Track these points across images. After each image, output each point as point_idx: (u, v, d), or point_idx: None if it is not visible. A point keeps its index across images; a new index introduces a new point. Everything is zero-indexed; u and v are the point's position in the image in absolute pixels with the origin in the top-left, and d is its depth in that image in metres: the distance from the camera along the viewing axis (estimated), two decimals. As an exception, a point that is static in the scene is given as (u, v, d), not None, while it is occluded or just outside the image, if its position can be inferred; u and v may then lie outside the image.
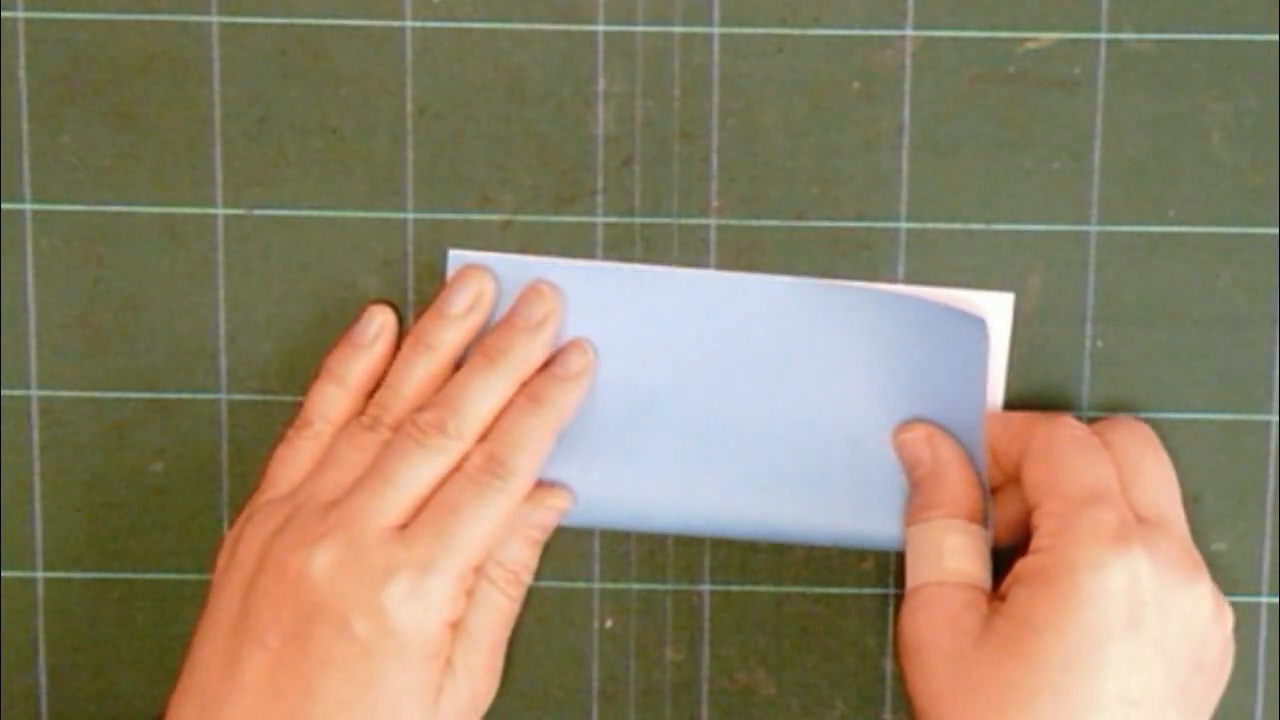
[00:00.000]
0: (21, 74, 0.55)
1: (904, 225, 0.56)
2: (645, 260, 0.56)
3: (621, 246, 0.56)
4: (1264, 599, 0.57)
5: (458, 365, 0.55)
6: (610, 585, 0.57)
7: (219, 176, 0.56)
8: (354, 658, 0.51)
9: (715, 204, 0.56)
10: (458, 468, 0.53)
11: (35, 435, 0.57)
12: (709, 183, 0.56)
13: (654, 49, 0.55)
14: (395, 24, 0.55)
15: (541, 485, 0.55)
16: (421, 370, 0.55)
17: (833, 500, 0.56)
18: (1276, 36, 0.55)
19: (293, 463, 0.55)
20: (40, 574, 0.57)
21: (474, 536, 0.53)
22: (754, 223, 0.56)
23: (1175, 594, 0.51)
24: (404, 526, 0.53)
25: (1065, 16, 0.55)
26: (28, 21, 0.55)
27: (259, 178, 0.56)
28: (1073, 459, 0.53)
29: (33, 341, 0.56)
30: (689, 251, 0.56)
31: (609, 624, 0.57)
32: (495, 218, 0.56)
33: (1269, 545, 0.57)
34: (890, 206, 0.56)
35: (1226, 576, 0.56)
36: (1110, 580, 0.50)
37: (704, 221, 0.56)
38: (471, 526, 0.53)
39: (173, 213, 0.56)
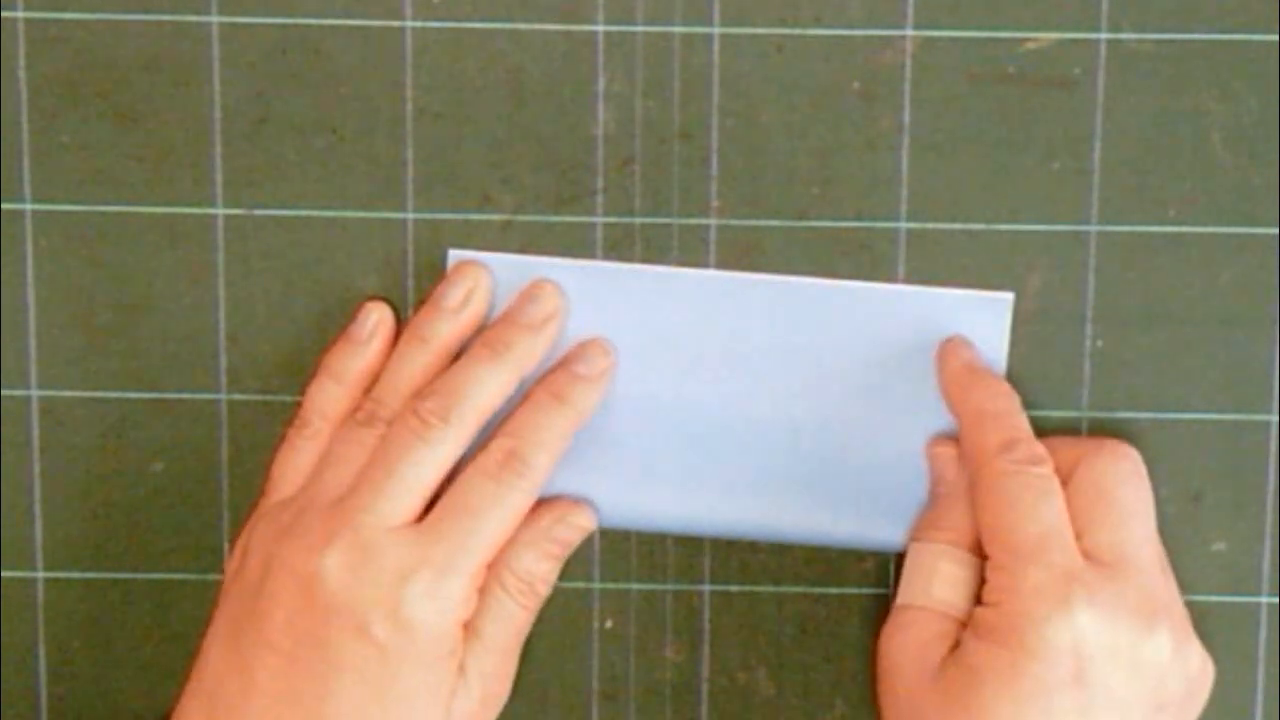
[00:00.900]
0: (21, 74, 0.55)
1: (904, 225, 0.56)
2: (645, 260, 0.56)
3: (621, 246, 0.56)
4: (1264, 599, 0.57)
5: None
6: (610, 585, 0.57)
7: (219, 176, 0.56)
8: (370, 660, 0.51)
9: (715, 204, 0.56)
10: (469, 461, 0.53)
11: (35, 435, 0.57)
12: (709, 183, 0.56)
13: (654, 49, 0.55)
14: (395, 24, 0.55)
15: (567, 501, 0.55)
16: (417, 364, 0.55)
17: (834, 499, 0.56)
18: (1276, 36, 0.55)
19: (294, 464, 0.55)
20: (40, 574, 0.57)
21: (490, 535, 0.53)
22: (754, 223, 0.56)
23: (1125, 644, 0.51)
24: (414, 522, 0.52)
25: (1065, 16, 0.55)
26: (28, 21, 0.55)
27: (259, 178, 0.56)
28: (1017, 506, 0.52)
29: (33, 341, 0.56)
30: (689, 251, 0.56)
31: (609, 624, 0.57)
32: (495, 218, 0.56)
33: (1269, 545, 0.57)
34: (890, 206, 0.56)
35: (1226, 576, 0.56)
36: (1053, 637, 0.50)
37: (704, 221, 0.56)
38: (487, 525, 0.52)
39: (173, 213, 0.56)
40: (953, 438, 0.55)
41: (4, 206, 0.56)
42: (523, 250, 0.56)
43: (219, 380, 0.57)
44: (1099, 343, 0.56)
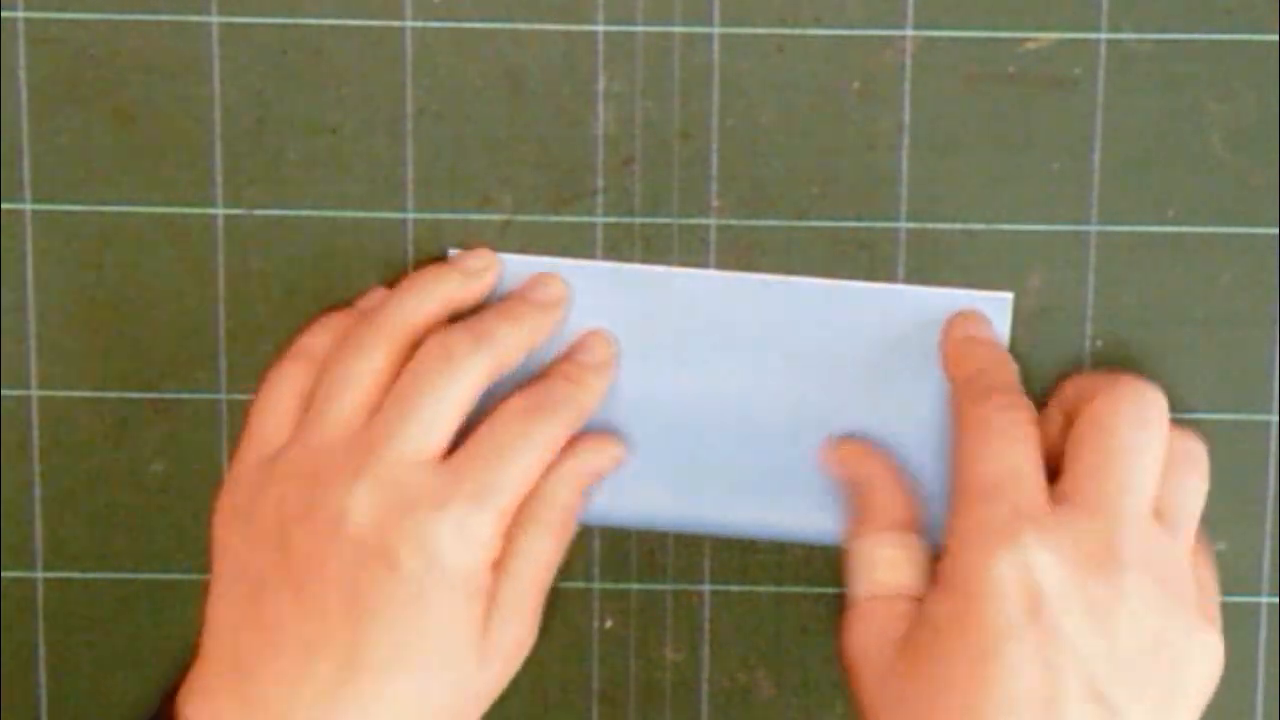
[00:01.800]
0: (21, 74, 0.55)
1: (904, 225, 0.56)
2: (645, 260, 0.56)
3: (621, 246, 0.56)
4: (1264, 599, 0.57)
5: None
6: (610, 585, 0.57)
7: (219, 176, 0.56)
8: (404, 600, 0.50)
9: (715, 204, 0.56)
10: (496, 405, 0.53)
11: (35, 435, 0.57)
12: (709, 183, 0.56)
13: (654, 49, 0.55)
14: (395, 24, 0.55)
15: (599, 433, 0.55)
16: (425, 300, 0.54)
17: (833, 499, 0.56)
18: (1276, 36, 0.55)
19: (280, 411, 0.53)
20: (40, 574, 0.57)
21: (521, 473, 0.52)
22: (754, 223, 0.56)
23: (1080, 586, 0.49)
24: (444, 457, 0.51)
25: (1065, 16, 0.55)
26: (28, 21, 0.55)
27: (259, 178, 0.56)
28: (980, 448, 0.51)
29: (33, 342, 0.56)
30: (689, 251, 0.56)
31: (609, 624, 0.57)
32: (495, 218, 0.56)
33: (1269, 545, 0.57)
34: (890, 206, 0.56)
35: (1226, 576, 0.56)
36: (1000, 574, 0.49)
37: (704, 221, 0.56)
38: (519, 462, 0.52)
39: (173, 213, 0.56)
40: (842, 439, 0.55)
41: (4, 206, 0.56)
42: (523, 250, 0.56)
43: (219, 380, 0.56)
44: (1099, 343, 0.56)
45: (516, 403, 0.53)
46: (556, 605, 0.57)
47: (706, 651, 0.57)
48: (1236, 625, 0.56)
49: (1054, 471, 0.52)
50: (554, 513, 0.53)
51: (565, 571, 0.57)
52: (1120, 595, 0.49)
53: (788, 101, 0.55)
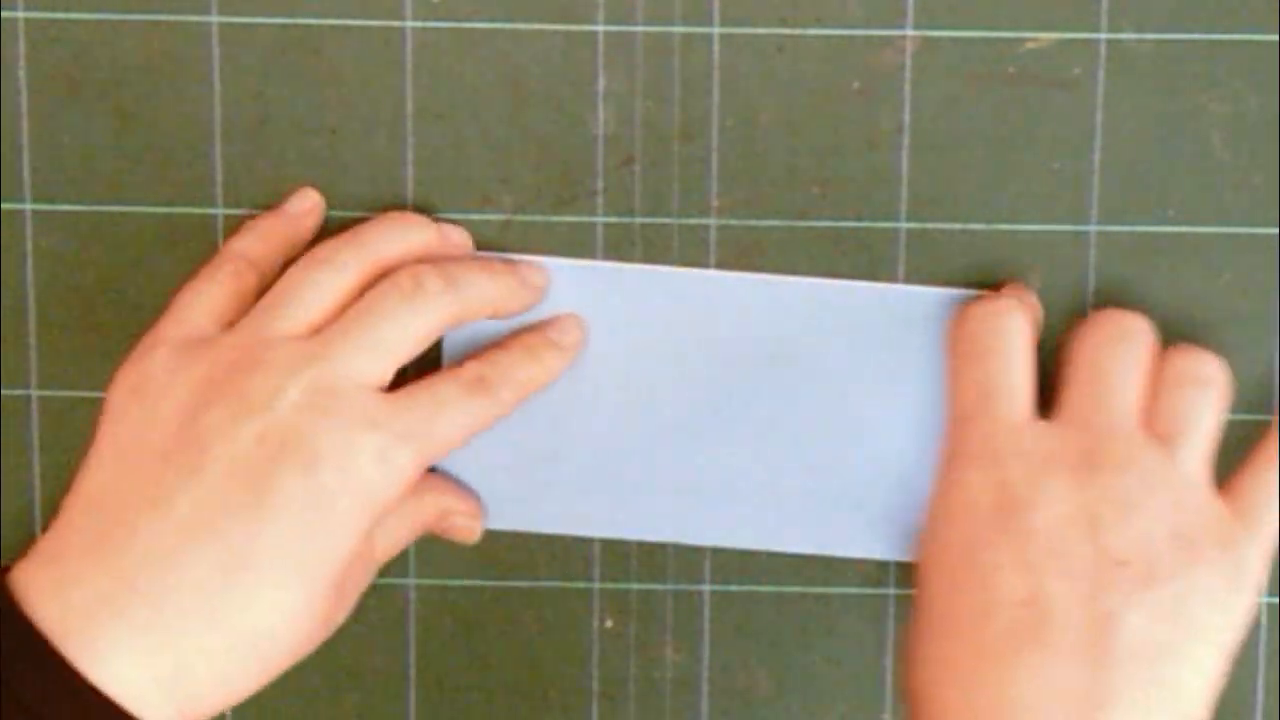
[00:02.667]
0: (21, 74, 0.55)
1: (904, 225, 0.56)
2: (645, 260, 0.56)
3: (621, 246, 0.56)
4: (1264, 599, 0.57)
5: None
6: (610, 585, 0.57)
7: (219, 176, 0.56)
8: (312, 503, 0.48)
9: (715, 204, 0.56)
10: (455, 362, 0.53)
11: (35, 435, 0.57)
12: (709, 183, 0.56)
13: (654, 49, 0.55)
14: (395, 24, 0.55)
15: (470, 499, 0.56)
16: (393, 240, 0.53)
17: (834, 501, 0.56)
18: (1276, 36, 0.55)
19: (210, 299, 0.52)
20: (40, 574, 0.57)
21: (450, 429, 0.51)
22: (754, 223, 0.56)
23: (1062, 489, 0.49)
24: (385, 390, 0.51)
25: (1065, 16, 0.55)
26: (28, 21, 0.55)
27: (259, 178, 0.56)
28: (968, 358, 0.53)
29: (33, 341, 0.56)
30: (689, 251, 0.56)
31: (609, 624, 0.57)
32: (495, 218, 0.56)
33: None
34: (890, 206, 0.56)
35: (1226, 576, 0.56)
36: (969, 483, 0.50)
37: (704, 221, 0.56)
38: (452, 420, 0.51)
39: (173, 213, 0.56)
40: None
41: (4, 206, 0.56)
42: (523, 250, 0.56)
43: (219, 380, 0.56)
44: (1099, 343, 0.56)
45: (471, 366, 0.52)
46: (557, 605, 0.57)
47: (706, 651, 0.57)
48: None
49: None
50: (418, 516, 0.54)
51: (565, 571, 0.57)
52: (1103, 499, 0.50)
53: (788, 101, 0.55)
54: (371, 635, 0.57)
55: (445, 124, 0.56)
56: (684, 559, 0.57)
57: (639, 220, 0.56)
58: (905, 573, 0.57)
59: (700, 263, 0.56)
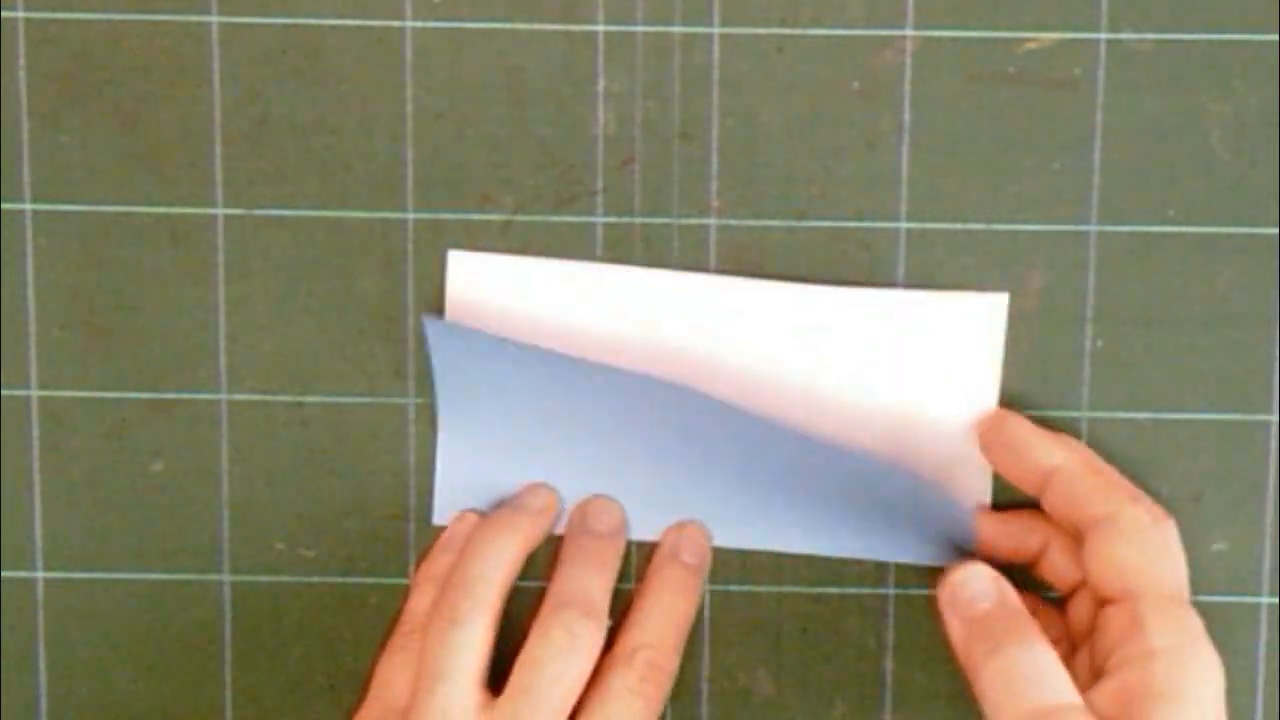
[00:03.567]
0: (21, 74, 0.55)
1: (904, 225, 0.56)
2: (645, 260, 0.56)
3: (621, 246, 0.56)
4: (1264, 599, 0.57)
5: None
6: (610, 585, 0.57)
7: (219, 176, 0.56)
8: None
9: (715, 204, 0.56)
10: (606, 661, 0.54)
11: (35, 435, 0.57)
12: (709, 183, 0.56)
13: (654, 49, 0.55)
14: (395, 24, 0.55)
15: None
16: (510, 535, 0.55)
17: (833, 505, 0.56)
18: (1276, 36, 0.55)
19: (399, 679, 0.54)
20: (40, 574, 0.57)
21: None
22: (754, 223, 0.56)
23: None
24: (488, 692, 0.53)
25: (1065, 16, 0.55)
26: (28, 21, 0.55)
27: (259, 178, 0.56)
28: (1149, 556, 0.52)
29: (33, 341, 0.56)
30: (689, 251, 0.56)
31: (609, 623, 0.57)
32: (495, 218, 0.56)
33: (1269, 545, 0.57)
34: (890, 206, 0.56)
35: (1226, 576, 0.56)
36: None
37: (704, 221, 0.56)
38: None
39: (173, 213, 0.56)
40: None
41: (4, 206, 0.56)
42: (523, 250, 0.56)
43: (219, 380, 0.57)
44: (1099, 343, 0.56)
45: (630, 672, 0.54)
46: (556, 605, 0.57)
47: (706, 651, 0.57)
48: (1236, 625, 0.56)
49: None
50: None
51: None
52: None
53: (788, 101, 0.55)
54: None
55: (445, 124, 0.56)
56: (684, 559, 0.57)
57: (639, 220, 0.56)
58: (905, 573, 0.57)
59: (700, 263, 0.56)
